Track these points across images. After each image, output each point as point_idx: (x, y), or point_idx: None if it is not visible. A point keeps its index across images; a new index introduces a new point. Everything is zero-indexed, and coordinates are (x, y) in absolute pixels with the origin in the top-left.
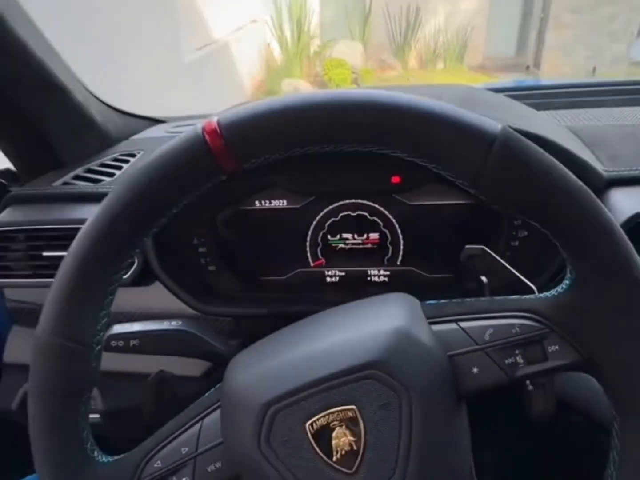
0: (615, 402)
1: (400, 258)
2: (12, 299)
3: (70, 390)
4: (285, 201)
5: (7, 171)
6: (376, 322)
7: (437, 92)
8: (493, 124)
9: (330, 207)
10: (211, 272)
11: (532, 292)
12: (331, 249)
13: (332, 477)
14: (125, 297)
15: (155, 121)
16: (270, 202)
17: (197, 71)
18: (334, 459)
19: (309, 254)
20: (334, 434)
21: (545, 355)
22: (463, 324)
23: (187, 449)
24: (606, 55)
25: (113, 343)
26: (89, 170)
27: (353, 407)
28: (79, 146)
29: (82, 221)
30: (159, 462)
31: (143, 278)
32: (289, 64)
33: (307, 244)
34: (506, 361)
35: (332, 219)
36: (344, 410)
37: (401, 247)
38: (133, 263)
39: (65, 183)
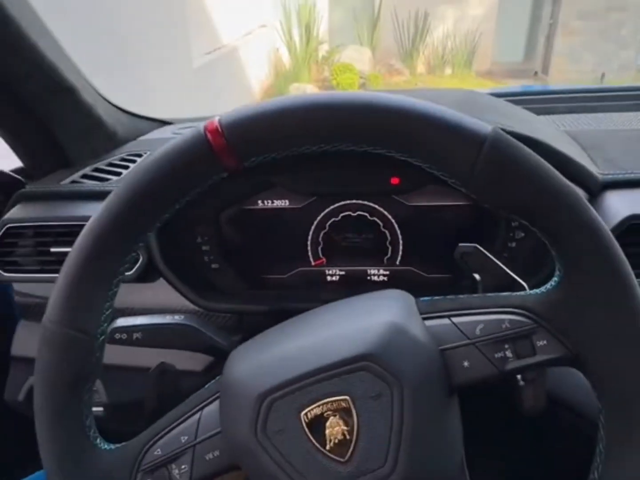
0: (601, 396)
1: (399, 258)
2: (21, 293)
3: (75, 378)
4: (287, 201)
5: (23, 169)
6: (370, 317)
7: (437, 96)
8: (484, 125)
9: (331, 207)
10: (214, 269)
11: (524, 289)
12: (332, 249)
13: (325, 465)
14: (131, 293)
15: (163, 122)
16: (272, 202)
17: (206, 75)
18: (327, 447)
19: (310, 253)
20: (327, 424)
21: (534, 349)
22: (455, 319)
23: (186, 438)
24: (614, 62)
25: (117, 336)
26: (97, 170)
27: (346, 397)
28: (87, 146)
29: (88, 218)
30: (159, 450)
31: (148, 274)
32: (298, 68)
33: (309, 243)
34: (496, 355)
35: (332, 219)
36: (337, 400)
37: (400, 247)
38: (138, 259)
39: (73, 182)
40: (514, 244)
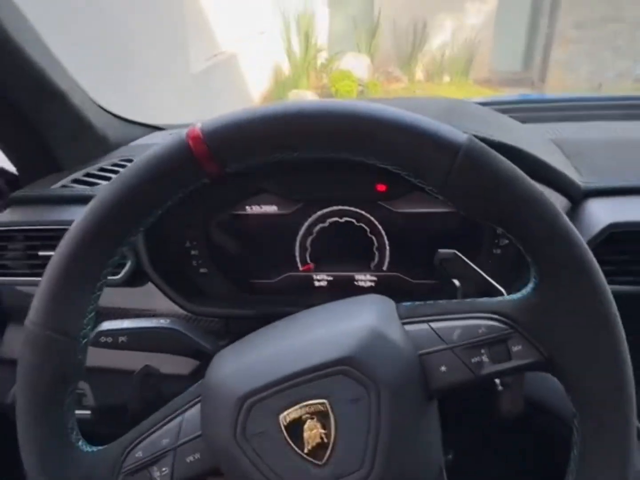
0: (574, 400)
1: (386, 264)
2: (10, 297)
3: (56, 380)
4: (275, 207)
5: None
6: (350, 321)
7: (419, 104)
8: (459, 133)
9: (319, 213)
10: (202, 274)
11: (502, 294)
12: (319, 254)
13: (302, 468)
14: (119, 297)
15: (155, 128)
16: (260, 208)
17: (205, 81)
18: (305, 450)
19: (298, 259)
20: (305, 427)
21: (510, 354)
22: (434, 325)
23: (167, 441)
24: (611, 71)
25: (102, 339)
26: (88, 174)
27: (324, 401)
28: (77, 150)
29: (73, 222)
30: (140, 452)
31: (136, 279)
32: (297, 75)
33: (297, 248)
34: (472, 360)
35: (320, 225)
36: (315, 404)
37: (387, 253)
38: (125, 263)
39: (63, 186)
40: (499, 251)
